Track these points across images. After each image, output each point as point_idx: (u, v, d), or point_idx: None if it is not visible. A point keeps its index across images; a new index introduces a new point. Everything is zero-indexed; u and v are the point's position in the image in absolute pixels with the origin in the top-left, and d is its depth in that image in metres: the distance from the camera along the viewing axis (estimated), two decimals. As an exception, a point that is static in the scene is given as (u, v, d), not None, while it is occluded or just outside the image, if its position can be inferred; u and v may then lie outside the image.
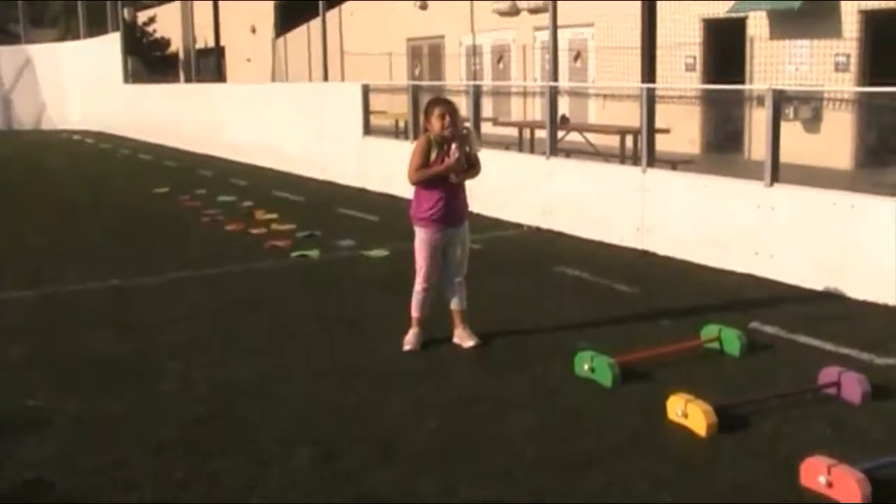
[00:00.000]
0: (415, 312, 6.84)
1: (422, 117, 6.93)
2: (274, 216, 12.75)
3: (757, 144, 14.80)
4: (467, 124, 7.43)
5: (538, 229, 11.37)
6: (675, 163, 12.19)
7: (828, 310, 7.72)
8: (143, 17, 51.13)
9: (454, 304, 6.89)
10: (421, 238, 6.77)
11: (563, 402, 5.72)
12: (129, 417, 5.61)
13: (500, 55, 26.87)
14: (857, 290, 7.98)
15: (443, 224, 6.70)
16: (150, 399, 5.90)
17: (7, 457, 5.05)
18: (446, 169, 6.60)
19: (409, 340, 6.79)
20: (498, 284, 8.58)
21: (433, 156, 6.64)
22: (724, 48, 19.62)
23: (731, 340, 6.52)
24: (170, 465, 4.89)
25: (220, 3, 26.61)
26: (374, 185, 15.02)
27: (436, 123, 6.62)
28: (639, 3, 12.08)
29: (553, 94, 11.94)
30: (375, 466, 4.84)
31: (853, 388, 5.58)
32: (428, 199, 6.68)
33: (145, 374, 6.41)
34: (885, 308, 7.70)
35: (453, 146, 6.58)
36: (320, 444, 5.13)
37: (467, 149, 6.67)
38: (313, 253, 10.28)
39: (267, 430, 5.36)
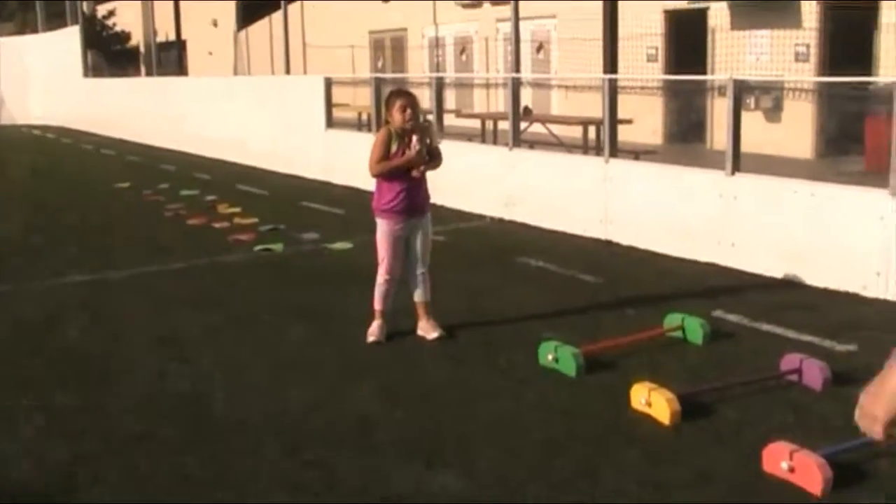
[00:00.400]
0: (378, 305, 6.84)
1: (383, 109, 6.93)
2: (237, 210, 12.69)
3: (719, 134, 14.89)
4: (429, 116, 7.43)
5: (501, 220, 11.39)
6: (638, 153, 12.25)
7: (790, 298, 7.79)
8: (102, 10, 50.70)
9: (417, 296, 6.89)
10: (382, 230, 6.77)
11: (529, 392, 5.74)
12: (95, 412, 5.57)
13: (463, 47, 26.86)
14: (819, 278, 8.05)
15: (404, 215, 6.70)
16: (115, 393, 5.87)
17: (-31, 454, 5.01)
18: (407, 161, 6.60)
19: (373, 332, 6.79)
20: (461, 276, 8.59)
21: (394, 148, 6.64)
22: (686, 39, 19.71)
23: (694, 329, 6.57)
24: (135, 460, 4.86)
25: (181, -4, 26.42)
26: (338, 178, 14.98)
27: (397, 116, 6.62)
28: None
29: (515, 86, 11.96)
30: (343, 457, 4.84)
31: (815, 374, 5.63)
32: (389, 190, 6.68)
33: (110, 368, 6.37)
34: (847, 295, 7.78)
35: (414, 138, 6.58)
36: (287, 435, 5.13)
37: (428, 141, 6.67)
38: (277, 246, 10.25)
39: (234, 423, 5.35)
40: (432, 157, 6.73)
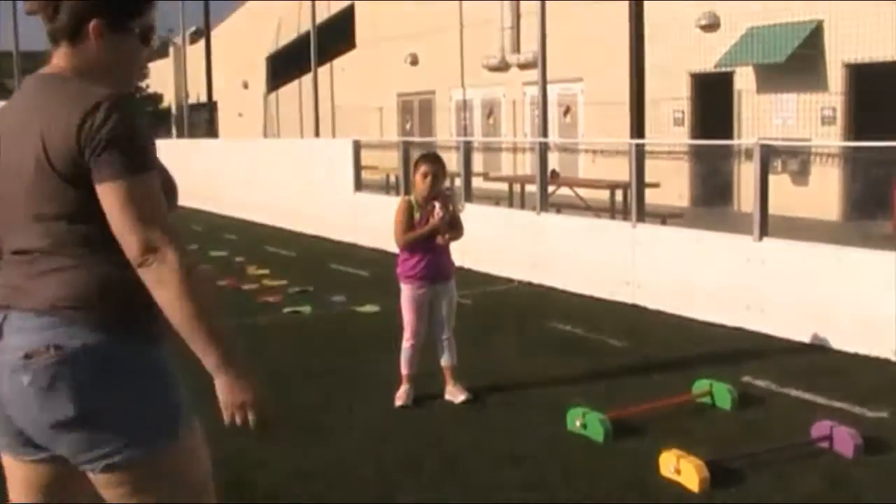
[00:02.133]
0: (404, 369, 6.85)
1: (412, 171, 7.01)
2: (266, 271, 12.76)
3: (745, 196, 14.90)
4: (456, 181, 7.48)
5: (529, 284, 11.39)
6: (665, 217, 12.27)
7: (819, 363, 7.74)
8: (135, 72, 51.38)
9: (444, 361, 6.90)
10: (407, 295, 6.80)
11: (556, 457, 5.72)
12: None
13: (491, 110, 27.07)
14: (848, 342, 8.01)
15: (428, 281, 6.74)
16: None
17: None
18: (433, 228, 6.64)
19: (401, 396, 6.79)
20: (489, 339, 8.60)
21: (416, 217, 6.70)
22: (712, 102, 19.80)
23: (722, 394, 6.54)
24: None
25: (213, 58, 26.80)
26: (366, 240, 15.05)
27: (419, 182, 6.70)
28: (627, 58, 12.21)
29: (543, 150, 12.04)
30: (368, 524, 4.83)
31: (846, 441, 5.59)
32: (413, 257, 6.73)
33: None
34: (877, 361, 7.72)
35: (437, 206, 6.63)
36: (311, 500, 5.12)
37: (450, 207, 6.71)
38: (305, 309, 10.29)
39: (257, 486, 5.34)
40: (453, 227, 6.77)
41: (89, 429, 2.49)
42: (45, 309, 2.49)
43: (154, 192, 2.52)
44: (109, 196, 2.46)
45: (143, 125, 2.56)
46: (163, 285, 2.45)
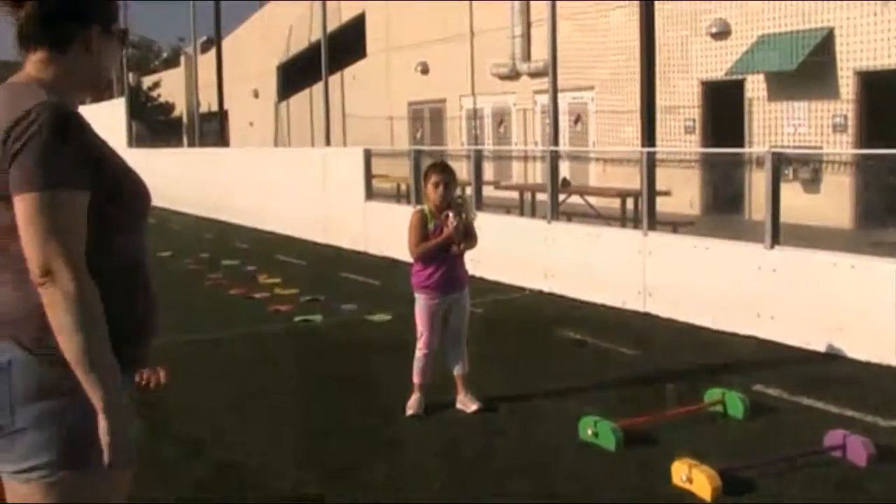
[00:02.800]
0: (416, 378, 6.85)
1: (422, 181, 7.01)
2: (277, 280, 12.78)
3: (757, 204, 14.87)
4: (467, 189, 7.47)
5: (540, 292, 11.39)
6: (676, 225, 12.26)
7: (831, 371, 7.72)
8: (147, 81, 51.69)
9: (456, 370, 6.89)
10: (420, 305, 6.80)
11: (567, 466, 5.71)
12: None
13: (501, 119, 27.08)
14: (860, 351, 7.98)
15: (442, 291, 6.73)
16: (151, 463, 5.89)
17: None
18: (447, 238, 6.63)
19: (412, 405, 6.79)
20: (500, 348, 8.59)
21: (430, 228, 6.69)
22: (723, 110, 19.79)
23: (734, 403, 6.52)
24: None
25: (224, 67, 26.87)
26: (377, 248, 15.07)
27: (430, 191, 6.70)
28: (637, 66, 12.20)
29: (554, 159, 12.04)
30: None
31: (858, 450, 5.57)
32: (427, 267, 6.72)
33: (147, 437, 6.39)
34: (889, 369, 7.70)
35: (451, 215, 6.62)
36: (324, 510, 5.13)
37: (463, 216, 6.70)
38: (316, 318, 10.31)
39: (270, 492, 5.35)
40: (468, 237, 6.75)
41: (15, 438, 2.46)
42: None
43: (63, 212, 2.41)
44: (18, 208, 2.40)
45: (70, 137, 2.45)
46: (53, 311, 2.39)
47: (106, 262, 2.52)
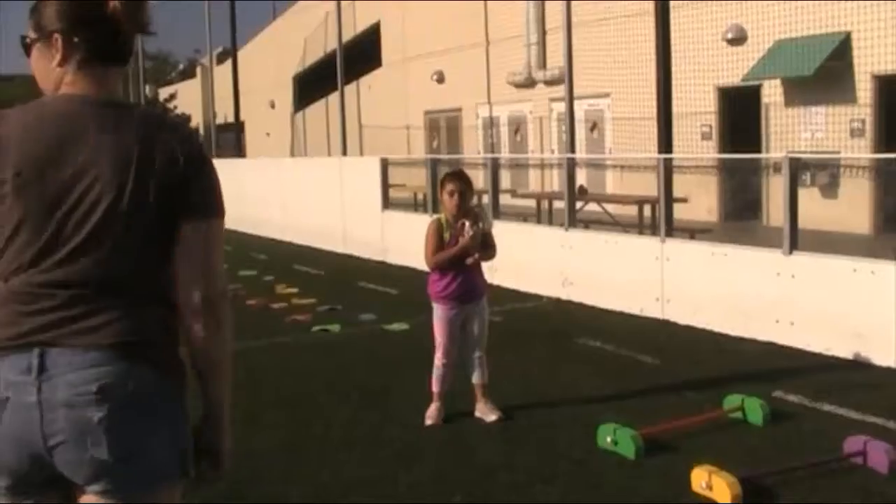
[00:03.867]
0: (435, 387, 6.84)
1: (439, 189, 7.01)
2: (295, 290, 12.81)
3: (774, 211, 14.83)
4: (483, 198, 7.45)
5: (558, 300, 11.38)
6: (694, 232, 12.22)
7: (851, 377, 7.69)
8: (164, 93, 51.92)
9: (475, 379, 6.88)
10: (438, 315, 6.78)
11: (587, 474, 5.70)
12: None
13: (517, 127, 27.09)
14: (881, 357, 7.95)
15: (460, 301, 6.71)
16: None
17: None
18: (462, 249, 6.60)
19: (431, 415, 6.79)
20: (519, 357, 8.58)
21: (447, 237, 6.66)
22: (740, 116, 19.75)
23: (754, 410, 6.50)
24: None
25: (240, 78, 26.97)
26: (394, 258, 15.09)
27: (446, 200, 6.68)
28: (653, 73, 12.19)
29: (570, 166, 12.04)
30: (400, 543, 4.83)
31: (880, 457, 5.54)
32: (445, 277, 6.69)
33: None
34: (910, 375, 7.67)
35: (467, 224, 6.59)
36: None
37: (481, 225, 6.68)
38: (334, 327, 10.32)
39: (288, 502, 5.36)
40: (486, 247, 6.72)
41: (133, 465, 2.42)
42: (103, 345, 2.40)
43: (221, 238, 2.57)
44: (195, 233, 2.50)
45: (213, 167, 2.62)
46: (218, 331, 2.50)
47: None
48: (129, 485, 2.44)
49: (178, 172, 2.46)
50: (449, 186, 6.68)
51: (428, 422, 6.74)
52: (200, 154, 2.52)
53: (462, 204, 6.66)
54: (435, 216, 6.76)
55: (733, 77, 19.25)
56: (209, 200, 2.53)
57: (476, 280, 6.79)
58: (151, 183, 2.44)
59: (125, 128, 2.47)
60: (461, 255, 6.62)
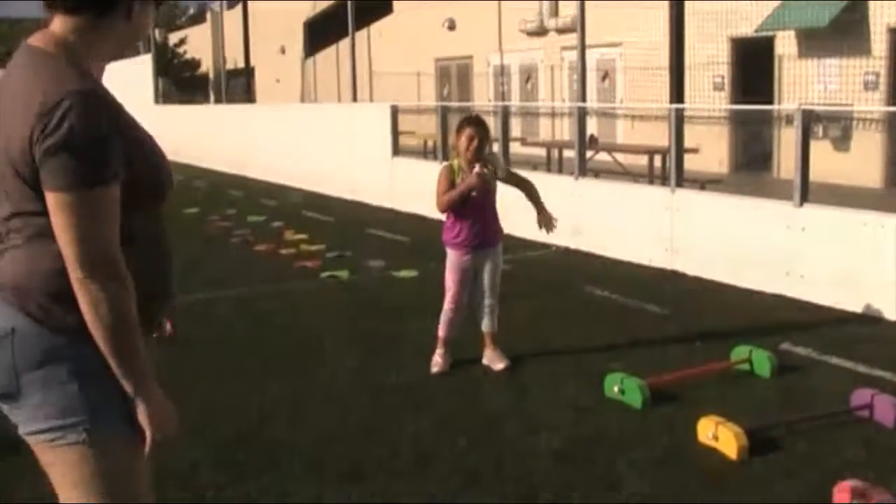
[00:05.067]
0: (442, 332, 6.85)
1: (452, 135, 6.96)
2: (303, 236, 12.80)
3: (786, 163, 14.74)
4: (495, 150, 7.40)
5: (567, 249, 11.36)
6: (704, 182, 12.18)
7: (860, 331, 7.68)
8: (174, 38, 51.65)
9: (485, 326, 6.89)
10: (452, 260, 6.77)
11: (593, 423, 5.71)
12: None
13: (529, 75, 26.93)
14: (890, 310, 7.93)
15: (474, 247, 6.70)
16: (179, 419, 5.92)
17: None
18: (468, 185, 6.57)
19: (437, 362, 6.80)
20: (527, 305, 8.58)
21: (458, 181, 6.64)
22: (753, 67, 19.59)
23: (761, 362, 6.50)
24: (201, 485, 4.92)
25: (250, 24, 26.79)
26: (404, 205, 15.07)
27: (463, 143, 6.62)
28: (666, 23, 12.08)
29: (581, 115, 11.96)
30: (405, 484, 4.86)
31: (886, 410, 5.54)
32: (459, 222, 6.68)
33: (174, 393, 6.42)
34: (918, 329, 7.66)
35: (477, 166, 6.56)
36: (350, 462, 5.15)
37: (491, 168, 6.64)
38: (343, 273, 10.32)
39: (296, 450, 5.38)
40: (520, 182, 6.88)
41: (23, 403, 2.50)
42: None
43: (104, 209, 2.39)
44: (55, 205, 2.37)
45: (102, 128, 2.38)
46: (94, 309, 2.39)
47: (127, 239, 2.48)
48: (28, 422, 2.54)
49: (37, 137, 2.35)
50: (468, 131, 6.61)
51: (434, 369, 6.76)
52: (61, 119, 2.33)
53: (479, 151, 6.61)
54: (446, 162, 6.72)
55: (747, 28, 19.08)
56: (65, 170, 2.34)
57: (491, 226, 6.77)
58: (14, 149, 2.40)
59: (24, 80, 2.44)
60: (467, 191, 6.58)
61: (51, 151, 2.33)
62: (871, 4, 17.09)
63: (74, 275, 2.38)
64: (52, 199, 2.36)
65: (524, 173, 7.52)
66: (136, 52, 32.19)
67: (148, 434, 2.54)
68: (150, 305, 2.62)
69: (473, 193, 6.61)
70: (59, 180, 2.34)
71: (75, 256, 2.37)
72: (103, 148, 2.37)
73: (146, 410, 2.53)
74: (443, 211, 6.74)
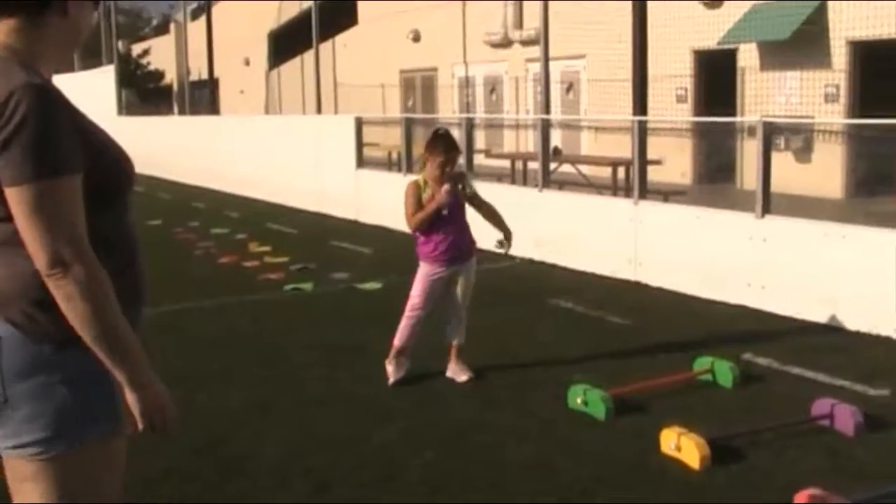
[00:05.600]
0: (397, 341, 6.78)
1: (421, 151, 6.94)
2: (267, 248, 12.76)
3: (748, 174, 14.86)
4: (459, 162, 7.38)
5: (531, 261, 11.38)
6: (667, 194, 12.24)
7: (821, 341, 7.74)
8: (137, 48, 51.36)
9: (452, 338, 6.88)
10: (424, 272, 6.75)
11: (557, 434, 5.73)
12: (123, 452, 5.59)
13: (493, 87, 27.00)
14: (851, 321, 8.00)
15: (449, 262, 6.70)
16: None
17: None
18: (438, 204, 6.56)
19: (391, 373, 6.75)
20: (491, 316, 8.58)
21: (425, 198, 6.63)
22: (716, 79, 19.75)
23: (723, 372, 6.54)
24: (163, 497, 4.88)
25: (214, 35, 26.70)
26: (368, 217, 15.05)
27: (434, 170, 6.59)
28: (630, 35, 12.15)
29: (545, 127, 12.00)
30: (371, 497, 4.85)
31: (847, 419, 5.59)
32: (433, 239, 6.65)
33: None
34: (878, 338, 7.72)
35: (446, 186, 6.54)
36: (315, 475, 5.14)
37: (461, 186, 6.64)
38: (307, 286, 10.29)
39: (263, 461, 5.36)
40: (481, 206, 6.84)
41: (9, 415, 2.45)
42: None
43: (65, 199, 2.34)
44: (15, 200, 2.32)
45: (58, 119, 2.36)
46: (69, 301, 2.35)
47: (91, 239, 2.44)
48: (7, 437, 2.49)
49: None
50: (440, 158, 6.56)
51: (391, 380, 6.73)
52: (13, 112, 2.30)
53: (448, 172, 6.62)
54: (412, 179, 6.71)
55: (709, 40, 19.22)
56: (21, 162, 2.31)
57: (465, 240, 6.77)
58: None
59: None
60: (437, 210, 6.57)
61: (5, 145, 2.30)
62: (831, 18, 17.27)
63: (44, 272, 2.34)
64: (12, 196, 2.33)
65: (488, 185, 7.53)
66: (99, 63, 32.04)
67: (140, 424, 2.51)
68: (129, 306, 2.57)
69: (444, 212, 6.61)
70: (16, 171, 2.30)
71: (42, 251, 2.33)
72: (58, 138, 2.34)
73: (141, 399, 2.50)
74: (415, 230, 6.72)
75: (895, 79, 15.87)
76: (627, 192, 12.32)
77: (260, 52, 37.19)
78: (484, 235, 7.11)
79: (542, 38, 13.03)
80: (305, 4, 27.29)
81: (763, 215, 8.83)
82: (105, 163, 2.51)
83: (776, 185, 9.04)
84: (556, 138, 18.09)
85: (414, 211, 6.63)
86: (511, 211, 11.72)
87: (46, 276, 2.35)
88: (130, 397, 2.49)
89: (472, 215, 6.92)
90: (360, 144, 15.86)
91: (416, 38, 29.12)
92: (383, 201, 14.00)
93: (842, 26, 17.02)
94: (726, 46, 19.10)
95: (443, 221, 6.63)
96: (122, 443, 2.59)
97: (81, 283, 2.35)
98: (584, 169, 15.94)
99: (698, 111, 19.99)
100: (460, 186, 6.63)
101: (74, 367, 2.45)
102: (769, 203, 8.87)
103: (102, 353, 2.41)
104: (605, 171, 15.39)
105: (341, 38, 31.26)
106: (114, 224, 2.59)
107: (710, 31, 19.01)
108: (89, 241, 2.41)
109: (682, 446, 5.19)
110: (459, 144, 7.30)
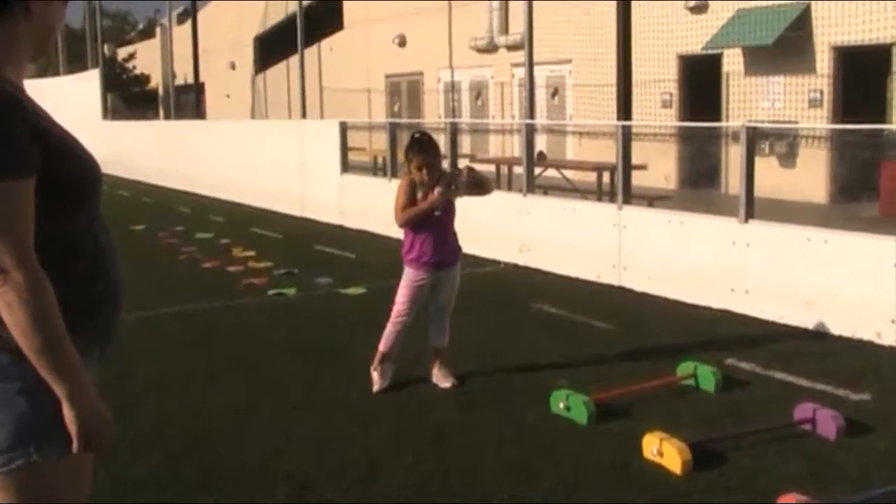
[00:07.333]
0: (383, 347, 6.76)
1: (401, 154, 6.92)
2: (252, 253, 12.73)
3: (733, 179, 14.91)
4: (462, 166, 7.37)
5: (515, 266, 11.39)
6: (652, 199, 12.27)
7: (803, 346, 7.76)
8: (123, 53, 51.27)
9: (436, 343, 6.87)
10: (408, 277, 6.71)
11: (540, 439, 5.72)
12: (104, 458, 5.56)
13: (479, 92, 27.02)
14: (833, 325, 8.02)
15: (434, 267, 6.66)
16: (124, 434, 5.86)
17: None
18: (431, 204, 6.54)
19: (375, 380, 6.72)
20: (475, 321, 8.58)
21: (419, 195, 6.58)
22: (701, 84, 19.81)
23: (706, 377, 6.55)
24: (148, 499, 4.86)
25: (200, 39, 26.66)
26: (352, 222, 15.03)
27: (415, 174, 6.56)
28: (615, 40, 12.18)
29: (530, 132, 12.01)
30: (353, 500, 4.84)
31: (828, 424, 5.60)
32: (418, 242, 6.61)
33: (120, 408, 6.36)
34: (860, 343, 7.74)
35: (440, 186, 6.53)
36: (297, 478, 5.12)
37: (452, 187, 6.60)
38: (290, 291, 10.27)
39: (244, 465, 5.34)
40: (479, 186, 6.80)
41: None
42: None
43: (10, 202, 2.28)
44: None
45: (13, 121, 2.30)
46: (9, 310, 2.29)
47: (51, 245, 2.40)
48: None
49: None
50: (416, 161, 6.52)
51: (375, 389, 6.70)
52: None
53: (431, 175, 6.58)
54: (409, 175, 6.65)
55: (694, 45, 19.29)
56: None
57: (450, 246, 6.75)
58: None
59: None
60: (430, 210, 6.54)
61: None
62: (816, 23, 17.35)
63: None
64: None
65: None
66: (85, 67, 31.96)
67: (75, 441, 2.41)
68: (102, 313, 2.55)
69: (437, 213, 6.59)
70: None
71: None
72: (12, 140, 2.29)
73: (78, 416, 2.40)
74: (401, 226, 6.68)
75: (879, 84, 15.97)
76: (612, 197, 12.34)
77: (246, 56, 37.19)
78: (466, 240, 7.10)
79: (527, 43, 13.03)
80: (291, 9, 27.29)
81: (747, 220, 8.84)
82: (71, 167, 2.47)
83: (760, 189, 9.06)
84: (541, 143, 18.13)
85: (404, 205, 6.57)
86: (496, 216, 11.79)
87: None
88: (68, 414, 2.40)
89: (459, 222, 6.91)
90: (345, 149, 15.85)
91: (402, 43, 29.13)
92: (368, 206, 13.99)
93: (826, 32, 17.10)
94: (711, 51, 19.17)
95: (432, 225, 6.61)
96: (88, 456, 2.51)
97: (22, 293, 2.29)
98: (569, 174, 15.96)
99: (683, 116, 20.05)
100: (453, 187, 6.59)
101: (34, 378, 2.38)
102: (753, 208, 8.89)
103: (41, 365, 2.34)
104: (590, 176, 15.40)
105: (327, 43, 31.30)
106: (82, 230, 2.53)
107: (695, 36, 19.10)
108: (56, 248, 2.38)
109: (665, 452, 5.19)
110: (441, 148, 7.27)
